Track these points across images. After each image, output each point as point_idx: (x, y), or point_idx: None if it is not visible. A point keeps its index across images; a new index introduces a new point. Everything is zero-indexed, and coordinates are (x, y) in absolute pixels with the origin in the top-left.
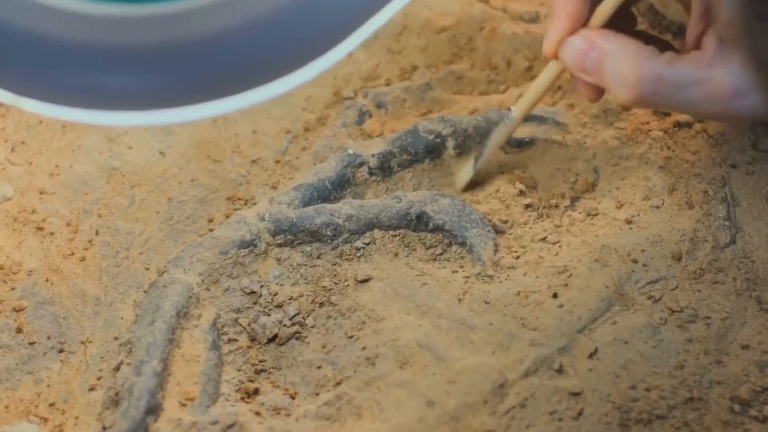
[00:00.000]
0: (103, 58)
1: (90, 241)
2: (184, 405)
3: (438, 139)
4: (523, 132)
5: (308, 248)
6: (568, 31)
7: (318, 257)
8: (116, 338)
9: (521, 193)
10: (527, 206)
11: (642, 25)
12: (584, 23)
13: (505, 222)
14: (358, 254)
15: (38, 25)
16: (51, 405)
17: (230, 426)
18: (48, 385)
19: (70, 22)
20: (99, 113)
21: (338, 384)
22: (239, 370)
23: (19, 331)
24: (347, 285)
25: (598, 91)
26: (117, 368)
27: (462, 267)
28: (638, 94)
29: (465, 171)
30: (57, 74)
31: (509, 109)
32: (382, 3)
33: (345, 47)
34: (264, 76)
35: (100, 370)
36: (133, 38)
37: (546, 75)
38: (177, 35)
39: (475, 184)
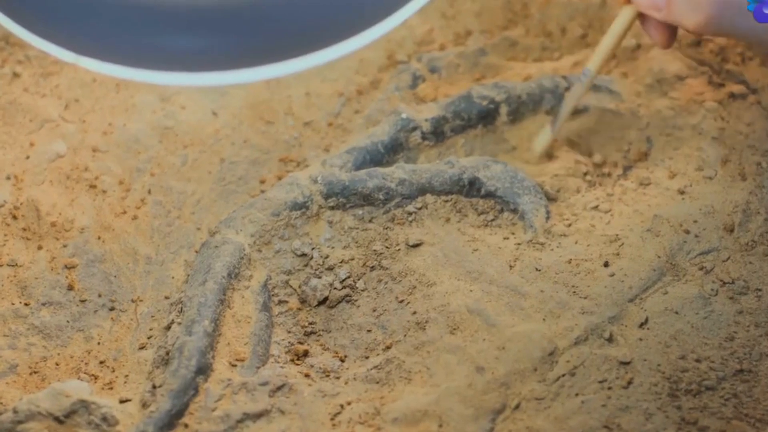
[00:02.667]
0: (163, 18)
1: (142, 200)
2: (234, 365)
3: (491, 105)
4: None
5: (360, 212)
6: None
7: (370, 221)
8: (167, 297)
9: (576, 161)
10: (584, 174)
11: None
12: None
13: (558, 190)
14: (410, 219)
15: None
16: (101, 363)
17: (280, 387)
18: (98, 343)
19: None
20: (158, 73)
21: (388, 348)
22: (289, 332)
23: (70, 288)
24: (398, 249)
25: (669, 34)
26: (168, 327)
27: (513, 234)
28: (707, 19)
29: (543, 134)
30: (116, 34)
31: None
32: None
33: (402, 14)
34: (321, 41)
35: (151, 329)
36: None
37: (619, 22)
38: None
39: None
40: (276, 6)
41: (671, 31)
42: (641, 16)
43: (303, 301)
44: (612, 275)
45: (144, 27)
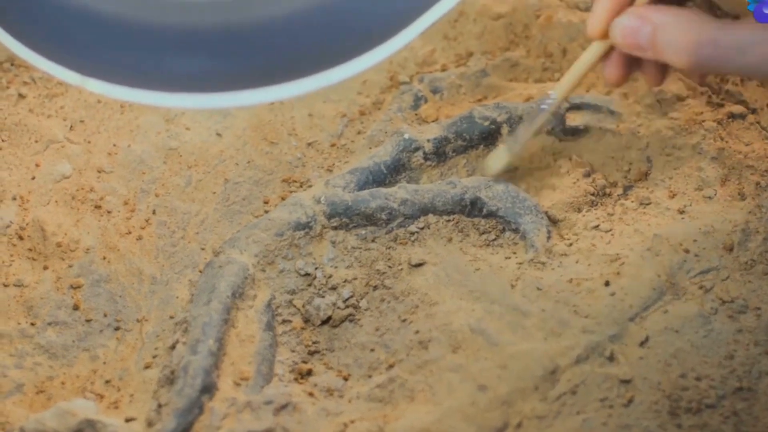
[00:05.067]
0: (168, 40)
1: (147, 221)
2: (238, 384)
3: (493, 126)
4: (578, 120)
5: (363, 231)
6: (615, 11)
7: (372, 241)
8: (172, 317)
9: (576, 181)
10: (587, 194)
11: None
12: (630, 2)
13: (563, 218)
14: (413, 238)
15: (104, 6)
16: (107, 382)
17: (284, 406)
18: (104, 362)
19: (135, 4)
20: (163, 95)
21: (391, 367)
22: (293, 351)
23: (76, 308)
24: (401, 269)
25: (660, 73)
26: (172, 347)
27: (515, 253)
28: (695, 60)
29: (497, 155)
30: (122, 55)
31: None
32: None
33: (405, 36)
34: (324, 63)
35: (156, 349)
36: (196, 21)
37: (587, 56)
38: (240, 19)
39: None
40: (280, 29)
41: (662, 71)
42: (606, 54)
43: (306, 321)
44: (613, 294)
45: (149, 49)
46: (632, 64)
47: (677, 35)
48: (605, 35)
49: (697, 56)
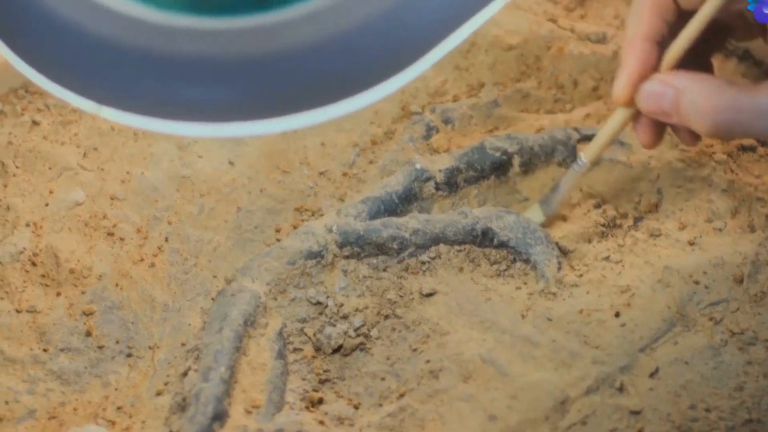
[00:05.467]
0: (182, 69)
1: (159, 248)
2: (249, 412)
3: (504, 156)
4: None
5: (374, 261)
6: (640, 77)
7: (384, 270)
8: (183, 344)
9: (586, 212)
10: (597, 225)
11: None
12: (654, 68)
13: (574, 250)
14: (424, 268)
15: (121, 35)
16: (118, 408)
17: None
18: (116, 389)
19: (152, 33)
20: (177, 123)
21: (402, 396)
22: (304, 380)
23: (88, 334)
24: (412, 298)
25: (691, 134)
26: (184, 374)
27: (526, 283)
28: (716, 125)
29: (532, 213)
30: (137, 84)
31: (579, 155)
32: (455, 25)
33: (418, 68)
34: (338, 94)
35: (168, 376)
36: (211, 51)
37: (614, 121)
38: (255, 49)
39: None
40: (295, 60)
41: (694, 133)
42: (634, 118)
43: (318, 349)
44: (623, 325)
45: (163, 78)
46: (663, 126)
47: (699, 100)
48: (630, 102)
49: (718, 121)
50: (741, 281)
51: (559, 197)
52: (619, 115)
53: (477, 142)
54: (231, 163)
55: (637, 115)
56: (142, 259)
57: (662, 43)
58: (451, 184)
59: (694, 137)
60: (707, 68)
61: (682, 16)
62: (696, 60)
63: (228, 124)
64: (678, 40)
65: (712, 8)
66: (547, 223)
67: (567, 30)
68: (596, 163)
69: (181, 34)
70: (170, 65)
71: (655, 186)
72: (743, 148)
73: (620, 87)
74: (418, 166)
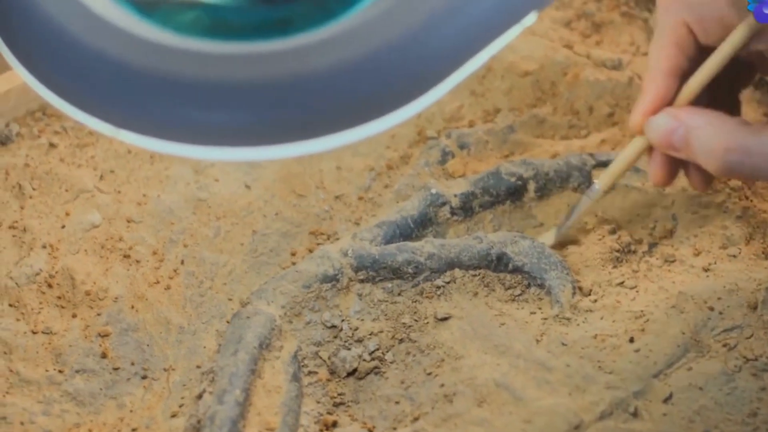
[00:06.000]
0: (202, 94)
1: (175, 271)
2: None
3: (519, 182)
4: None
5: (389, 285)
6: (655, 109)
7: (399, 294)
8: (198, 367)
9: (601, 238)
10: (612, 251)
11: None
12: (671, 101)
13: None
14: (439, 292)
15: (140, 59)
16: (133, 430)
17: None
18: (131, 411)
19: (170, 57)
20: (196, 147)
21: (416, 419)
22: (318, 403)
23: (103, 356)
24: (427, 322)
25: (703, 177)
26: (199, 396)
27: (540, 308)
28: (725, 166)
29: (546, 237)
30: (155, 108)
31: (593, 182)
32: (474, 51)
33: (436, 93)
34: (354, 120)
35: (182, 398)
36: (231, 75)
37: (630, 150)
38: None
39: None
40: (312, 85)
41: (706, 177)
42: (649, 151)
43: (332, 372)
44: (637, 351)
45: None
46: (676, 165)
47: (708, 139)
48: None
49: (727, 162)
50: (755, 307)
51: (570, 222)
52: (636, 144)
53: (492, 168)
54: (247, 186)
55: (651, 149)
56: (158, 282)
57: (683, 77)
58: (466, 209)
59: (704, 181)
60: (734, 102)
61: (703, 51)
62: (722, 94)
63: (245, 149)
64: (696, 75)
65: (731, 48)
66: (558, 247)
67: (583, 56)
68: (610, 190)
69: (199, 58)
70: (188, 89)
71: (669, 212)
72: None
73: (636, 116)
74: (433, 190)
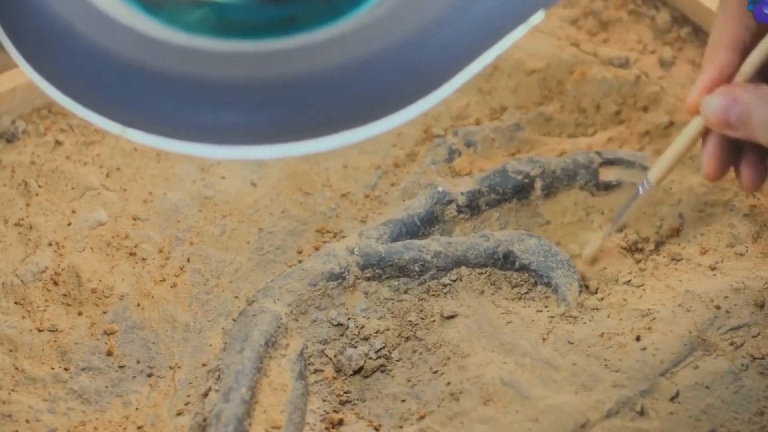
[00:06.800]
0: (208, 92)
1: (181, 268)
2: None
3: (526, 180)
4: (611, 175)
5: (396, 283)
6: (715, 84)
7: (405, 292)
8: (204, 365)
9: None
10: (619, 248)
11: None
12: (732, 78)
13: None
14: (445, 290)
15: (147, 57)
16: (139, 428)
17: None
18: (136, 408)
19: (177, 56)
20: (202, 146)
21: (422, 418)
22: (324, 401)
23: (109, 354)
24: (433, 320)
25: (757, 173)
26: (205, 394)
27: (547, 307)
28: None
29: (594, 242)
30: (162, 106)
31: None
32: (481, 50)
33: (443, 92)
34: (361, 119)
35: (188, 396)
36: (237, 74)
37: (686, 134)
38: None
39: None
40: (319, 84)
41: (760, 175)
42: (704, 137)
43: (338, 371)
44: (644, 349)
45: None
46: (730, 156)
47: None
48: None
49: None
50: (762, 306)
51: (621, 220)
52: (692, 127)
53: (499, 166)
54: (253, 184)
55: (705, 139)
56: (164, 279)
57: (745, 51)
58: (472, 207)
59: (757, 177)
60: None
61: (765, 25)
62: None
63: (251, 147)
64: (756, 51)
65: None
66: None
67: (590, 54)
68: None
69: (206, 56)
70: (195, 88)
71: (676, 210)
72: None
73: (693, 94)
74: (440, 188)
